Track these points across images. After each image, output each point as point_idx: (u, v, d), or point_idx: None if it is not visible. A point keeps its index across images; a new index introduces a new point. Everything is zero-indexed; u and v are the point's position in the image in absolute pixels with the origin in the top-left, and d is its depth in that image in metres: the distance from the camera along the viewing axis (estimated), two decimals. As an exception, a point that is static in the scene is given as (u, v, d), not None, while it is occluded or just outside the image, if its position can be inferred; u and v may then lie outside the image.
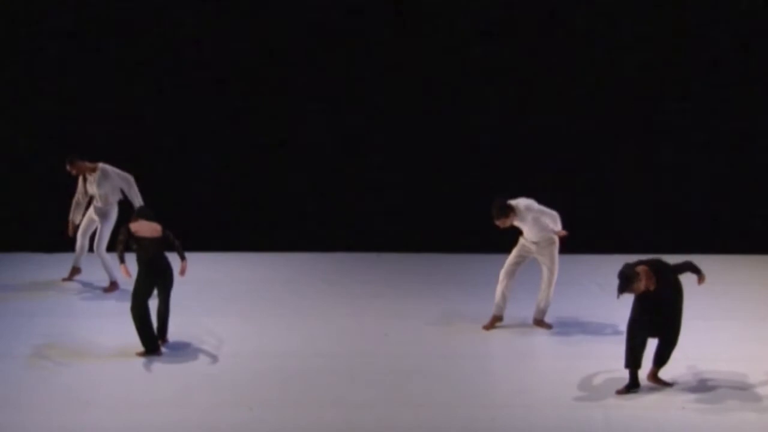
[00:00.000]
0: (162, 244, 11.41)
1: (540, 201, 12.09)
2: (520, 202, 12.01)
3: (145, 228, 11.41)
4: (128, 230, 11.39)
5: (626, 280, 10.24)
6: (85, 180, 13.40)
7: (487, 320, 12.36)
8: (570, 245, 12.46)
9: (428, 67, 15.34)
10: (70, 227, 13.58)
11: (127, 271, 11.44)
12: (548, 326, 12.34)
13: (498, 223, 12.02)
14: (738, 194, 15.42)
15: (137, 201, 13.22)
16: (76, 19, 15.11)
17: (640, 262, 10.36)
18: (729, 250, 15.11)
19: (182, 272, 11.52)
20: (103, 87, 15.21)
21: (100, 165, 13.33)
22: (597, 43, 15.24)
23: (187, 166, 15.37)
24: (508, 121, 15.33)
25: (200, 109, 15.38)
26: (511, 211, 11.94)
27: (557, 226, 12.07)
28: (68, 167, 13.31)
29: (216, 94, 15.37)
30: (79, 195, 13.51)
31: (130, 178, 13.37)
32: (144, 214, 11.64)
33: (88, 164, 13.33)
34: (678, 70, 15.27)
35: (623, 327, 11.25)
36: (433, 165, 15.50)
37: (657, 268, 10.34)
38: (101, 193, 13.30)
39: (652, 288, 10.28)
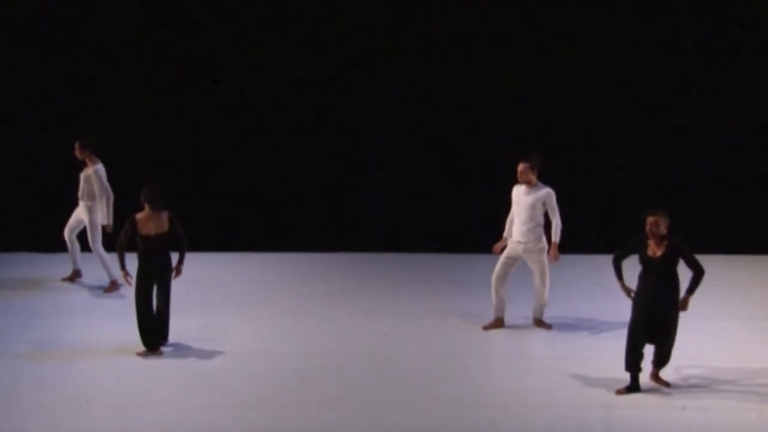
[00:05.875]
0: (167, 241, 11.28)
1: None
2: (545, 187, 12.02)
3: (152, 223, 11.21)
4: (133, 226, 11.19)
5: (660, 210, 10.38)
6: (82, 168, 13.39)
7: (487, 320, 12.36)
8: (570, 245, 12.45)
9: (428, 67, 15.36)
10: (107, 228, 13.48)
11: (128, 279, 11.42)
12: (548, 326, 12.34)
13: (521, 165, 11.99)
14: (738, 194, 15.43)
15: (106, 220, 13.23)
16: (76, 15, 15.16)
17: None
18: (729, 251, 15.12)
19: (177, 273, 11.47)
20: (103, 87, 15.21)
21: (97, 166, 13.30)
22: (595, 43, 15.28)
23: (187, 166, 15.37)
24: (506, 121, 15.34)
25: (200, 110, 15.38)
26: (536, 166, 11.96)
27: (555, 236, 11.99)
28: (76, 147, 13.25)
29: (216, 94, 15.37)
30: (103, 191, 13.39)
31: (109, 197, 13.26)
32: (151, 198, 11.20)
33: (90, 156, 13.29)
34: (680, 69, 15.29)
35: (623, 327, 11.25)
36: (433, 165, 15.51)
37: (678, 240, 10.37)
38: (84, 187, 13.30)
39: (658, 253, 10.32)
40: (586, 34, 15.25)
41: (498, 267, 12.23)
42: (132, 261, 11.40)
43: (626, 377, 10.52)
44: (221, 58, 15.30)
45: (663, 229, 10.40)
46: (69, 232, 13.64)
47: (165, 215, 11.27)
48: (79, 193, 13.39)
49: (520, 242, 12.09)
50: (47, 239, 14.70)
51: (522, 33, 15.30)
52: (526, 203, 12.02)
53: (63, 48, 15.12)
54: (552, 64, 15.31)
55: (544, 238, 12.08)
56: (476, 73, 15.36)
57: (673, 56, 15.31)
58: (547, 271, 12.15)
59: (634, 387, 10.47)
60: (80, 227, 13.56)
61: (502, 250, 12.26)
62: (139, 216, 11.25)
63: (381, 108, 15.45)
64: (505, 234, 12.32)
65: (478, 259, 14.68)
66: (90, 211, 13.34)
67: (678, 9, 15.24)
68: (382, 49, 15.34)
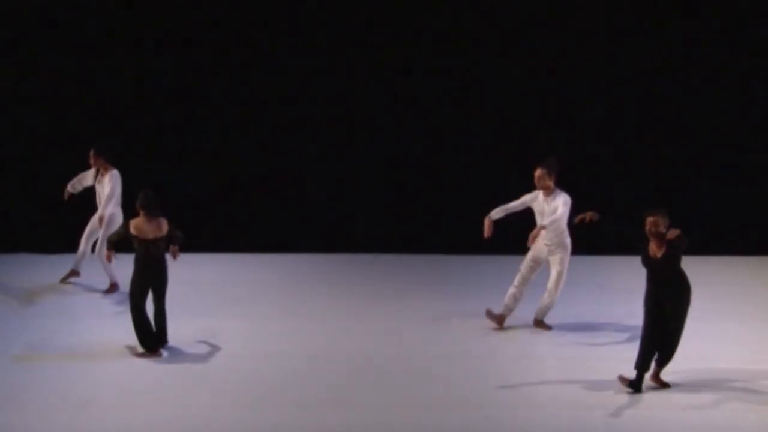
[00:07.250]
0: (163, 245, 11.32)
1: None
2: (563, 193, 11.92)
3: (147, 228, 11.23)
4: (126, 229, 11.27)
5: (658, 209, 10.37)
6: (97, 174, 13.35)
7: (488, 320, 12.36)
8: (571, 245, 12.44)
9: (428, 68, 15.35)
10: (66, 192, 13.43)
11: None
12: (548, 327, 12.33)
13: (539, 170, 11.87)
14: (738, 195, 15.42)
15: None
16: (77, 19, 15.18)
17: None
18: (729, 252, 15.11)
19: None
20: (105, 87, 15.22)
21: (112, 172, 13.27)
22: (600, 42, 15.29)
23: (187, 166, 15.37)
24: (508, 122, 15.34)
25: (201, 109, 15.38)
26: (554, 171, 11.83)
27: (546, 220, 11.84)
28: (91, 155, 13.21)
29: (217, 94, 15.37)
30: (89, 175, 13.37)
31: (116, 208, 13.22)
32: (147, 204, 11.24)
33: (104, 164, 13.26)
34: (683, 69, 15.29)
35: (623, 328, 11.28)
36: (432, 165, 15.50)
37: (675, 239, 10.36)
38: (103, 193, 13.27)
39: (659, 254, 10.31)
40: (584, 34, 15.24)
41: (523, 268, 12.20)
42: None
43: (627, 377, 10.50)
44: (220, 58, 15.29)
45: (662, 229, 10.39)
46: (85, 240, 13.53)
47: (162, 220, 11.32)
48: (97, 200, 13.35)
49: (546, 245, 12.06)
50: (49, 240, 14.70)
51: (522, 32, 15.29)
52: (548, 213, 11.98)
53: (62, 48, 15.14)
54: (552, 63, 15.29)
55: (568, 240, 12.05)
56: (478, 73, 15.35)
57: (672, 56, 15.31)
58: (564, 276, 12.10)
59: (637, 385, 10.44)
60: (96, 234, 13.45)
61: (489, 230, 12.02)
62: (134, 221, 11.30)
63: (381, 107, 15.44)
64: (492, 214, 12.05)
65: (478, 260, 14.70)
66: (107, 220, 13.29)
67: (676, 8, 15.25)
68: (383, 48, 15.32)
